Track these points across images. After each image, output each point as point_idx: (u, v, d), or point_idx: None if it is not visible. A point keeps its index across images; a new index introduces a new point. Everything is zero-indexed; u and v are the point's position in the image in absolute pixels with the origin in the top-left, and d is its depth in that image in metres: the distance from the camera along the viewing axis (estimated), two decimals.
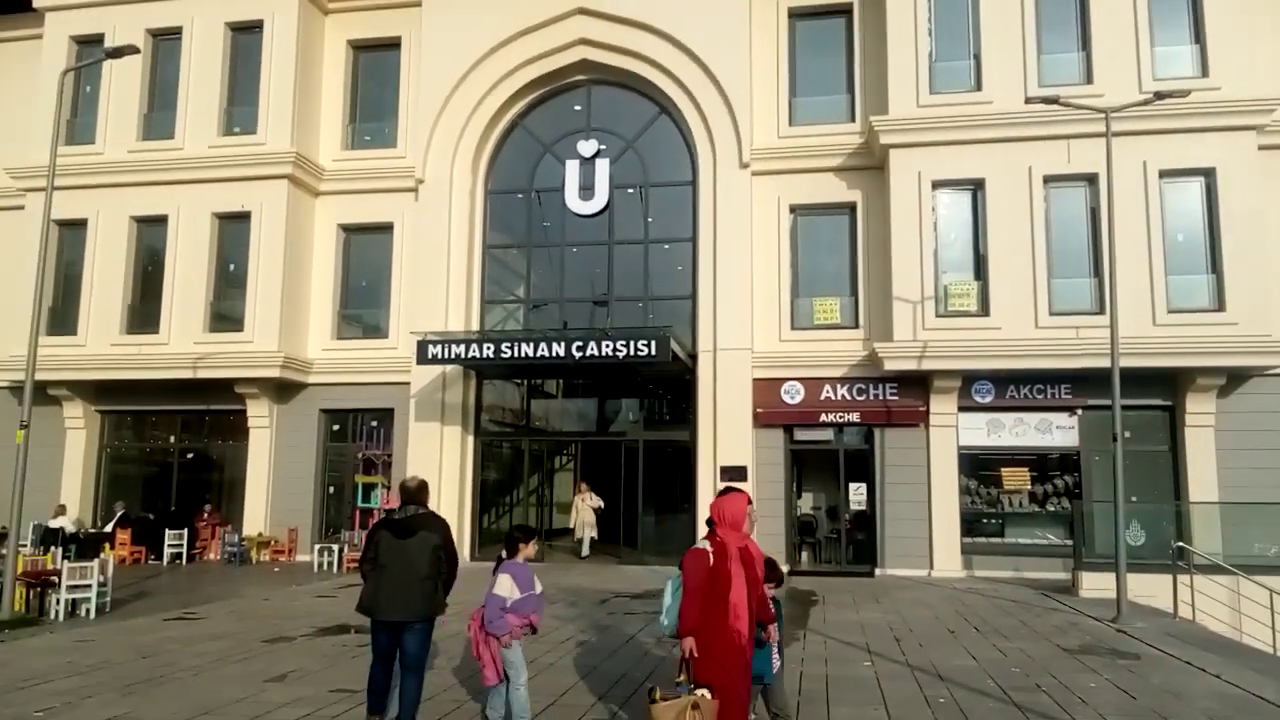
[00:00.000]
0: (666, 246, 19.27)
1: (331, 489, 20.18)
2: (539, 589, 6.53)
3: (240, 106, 20.37)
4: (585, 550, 19.10)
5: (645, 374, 18.55)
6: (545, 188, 19.71)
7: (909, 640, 10.50)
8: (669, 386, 19.32)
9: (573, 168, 19.40)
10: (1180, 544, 13.73)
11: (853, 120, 18.57)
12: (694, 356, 18.24)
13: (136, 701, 7.71)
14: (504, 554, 6.56)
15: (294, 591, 14.78)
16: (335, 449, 20.29)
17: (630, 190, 19.39)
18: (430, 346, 17.02)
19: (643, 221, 19.32)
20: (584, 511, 19.25)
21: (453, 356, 17.09)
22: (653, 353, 16.08)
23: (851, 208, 18.44)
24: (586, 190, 19.29)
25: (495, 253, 20.15)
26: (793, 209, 18.69)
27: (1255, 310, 15.96)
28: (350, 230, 20.78)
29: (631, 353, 16.15)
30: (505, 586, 6.35)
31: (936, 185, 17.31)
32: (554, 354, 16.58)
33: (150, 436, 21.46)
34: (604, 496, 19.59)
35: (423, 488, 6.75)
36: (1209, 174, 16.49)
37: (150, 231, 20.40)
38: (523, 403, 20.26)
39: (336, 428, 20.36)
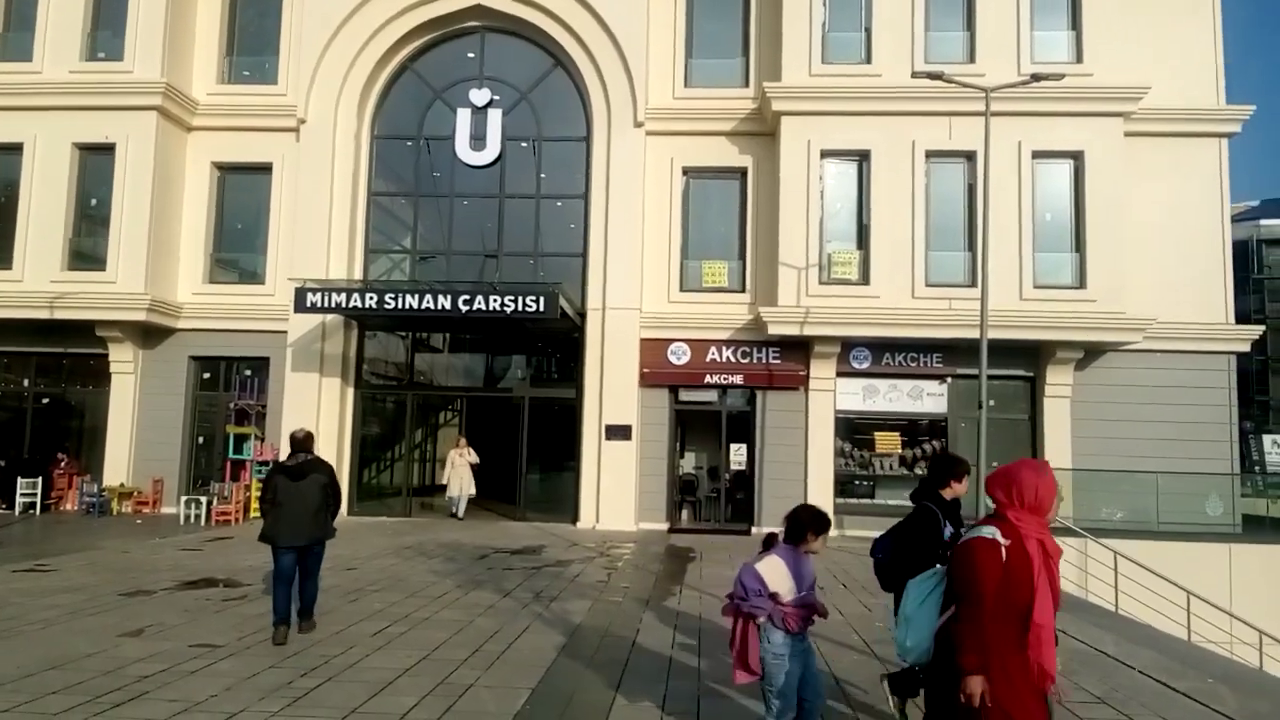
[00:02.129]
0: (559, 203, 19.05)
1: (201, 439, 19.35)
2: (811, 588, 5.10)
3: (106, 31, 18.99)
4: (460, 509, 18.56)
5: (533, 331, 18.41)
6: (435, 136, 19.16)
7: None
8: (557, 344, 19.23)
9: (464, 116, 18.91)
10: None
11: (747, 85, 18.69)
12: (582, 315, 18.19)
13: None
14: (780, 536, 5.13)
15: (156, 544, 14.19)
16: (206, 398, 19.44)
17: (523, 144, 19.01)
18: (309, 294, 16.44)
19: (535, 176, 19.01)
20: (460, 468, 18.68)
21: (333, 305, 16.57)
22: (541, 309, 15.98)
23: (742, 173, 18.61)
24: (478, 141, 18.86)
25: (381, 200, 19.52)
26: (685, 171, 18.74)
27: (1112, 289, 16.91)
28: (225, 169, 19.76)
29: (519, 308, 16.01)
30: (776, 577, 4.93)
31: (825, 155, 17.61)
32: (440, 307, 16.27)
33: (2, 380, 20.14)
34: (488, 453, 19.30)
35: (309, 437, 8.49)
36: (1077, 157, 17.29)
37: (3, 160, 18.92)
38: (407, 356, 19.85)
39: (207, 376, 19.50)
